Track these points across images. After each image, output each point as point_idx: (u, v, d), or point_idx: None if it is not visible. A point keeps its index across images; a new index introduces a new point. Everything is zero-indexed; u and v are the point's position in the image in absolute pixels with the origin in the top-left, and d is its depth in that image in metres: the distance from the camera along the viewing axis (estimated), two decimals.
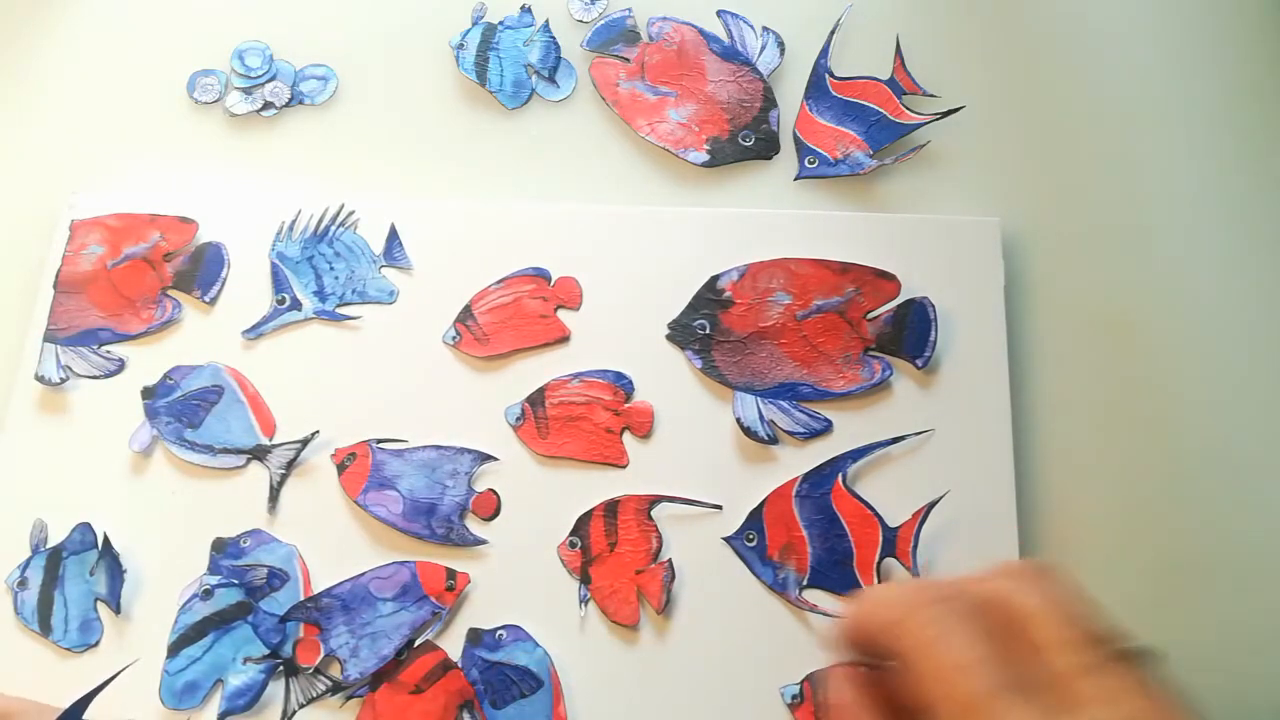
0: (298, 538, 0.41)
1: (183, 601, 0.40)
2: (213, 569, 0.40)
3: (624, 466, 0.41)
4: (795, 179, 0.45)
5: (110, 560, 0.40)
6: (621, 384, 0.42)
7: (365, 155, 0.47)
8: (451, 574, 0.40)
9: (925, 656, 0.26)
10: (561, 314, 0.43)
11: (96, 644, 0.40)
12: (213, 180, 0.47)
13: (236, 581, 0.40)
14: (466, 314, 0.43)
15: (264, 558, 0.40)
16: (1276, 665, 0.38)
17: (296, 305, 0.44)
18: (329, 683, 0.39)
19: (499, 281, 0.43)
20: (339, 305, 0.44)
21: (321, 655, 0.39)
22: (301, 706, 0.38)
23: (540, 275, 0.43)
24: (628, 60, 0.47)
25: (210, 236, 0.45)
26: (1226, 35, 0.46)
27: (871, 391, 0.41)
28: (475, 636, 0.39)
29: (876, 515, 0.39)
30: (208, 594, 0.40)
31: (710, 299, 0.42)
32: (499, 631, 0.39)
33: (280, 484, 0.41)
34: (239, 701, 0.38)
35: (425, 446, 0.41)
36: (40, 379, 0.43)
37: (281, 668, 0.39)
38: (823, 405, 0.41)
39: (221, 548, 0.40)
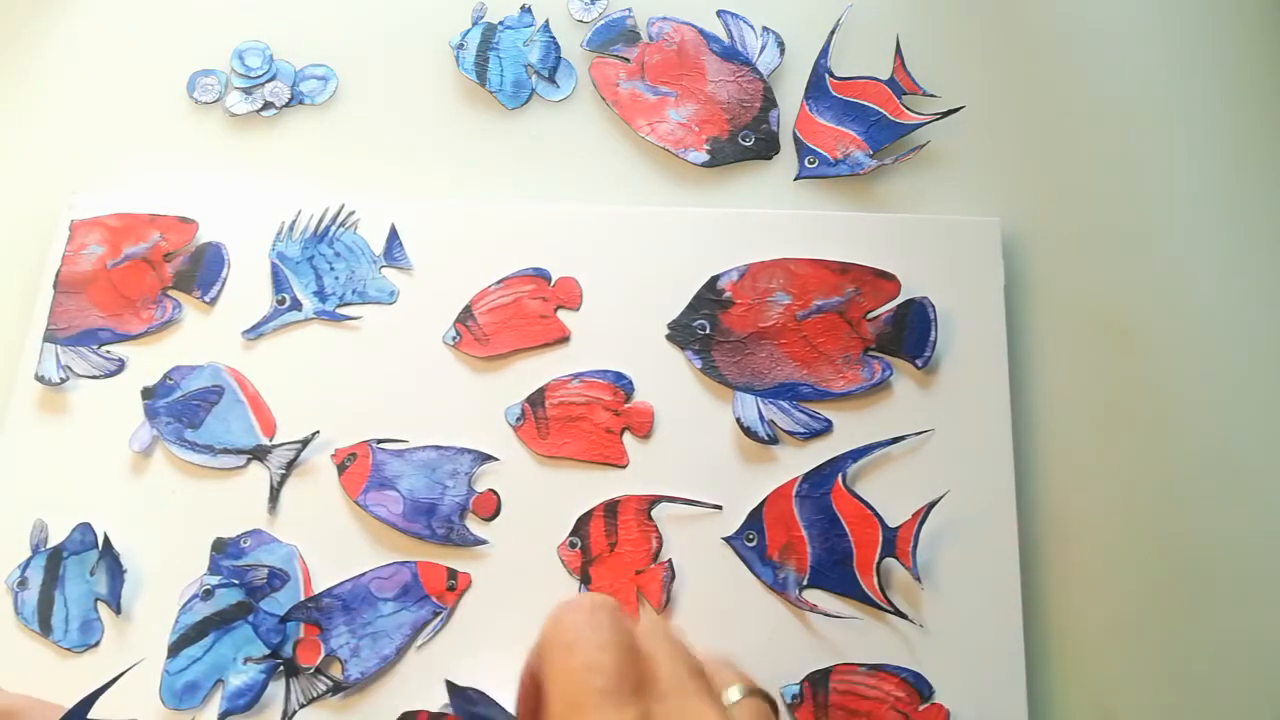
0: (298, 538, 0.41)
1: (183, 601, 0.40)
2: (213, 569, 0.40)
3: (624, 466, 0.41)
4: (795, 179, 0.45)
5: (110, 560, 0.40)
6: (621, 384, 0.42)
7: (365, 155, 0.47)
8: (453, 574, 0.40)
9: (559, 655, 0.29)
10: (561, 314, 0.43)
11: (97, 644, 0.40)
12: (213, 180, 0.47)
13: (237, 581, 0.40)
14: (466, 314, 0.43)
15: (264, 558, 0.40)
16: (1277, 666, 0.38)
17: (297, 305, 0.44)
18: (329, 683, 0.39)
19: (499, 281, 0.43)
20: (339, 305, 0.44)
21: (322, 655, 0.39)
22: (302, 706, 0.38)
23: (540, 275, 0.43)
24: (628, 60, 0.47)
25: (210, 236, 0.45)
26: (1227, 35, 0.46)
27: (871, 391, 0.41)
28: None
29: (876, 515, 0.39)
30: (208, 594, 0.40)
31: (710, 299, 0.42)
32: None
33: (280, 484, 0.41)
34: (239, 701, 0.38)
35: (425, 447, 0.41)
36: (40, 379, 0.43)
37: (282, 668, 0.39)
38: (823, 405, 0.41)
39: (222, 548, 0.40)
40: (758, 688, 0.32)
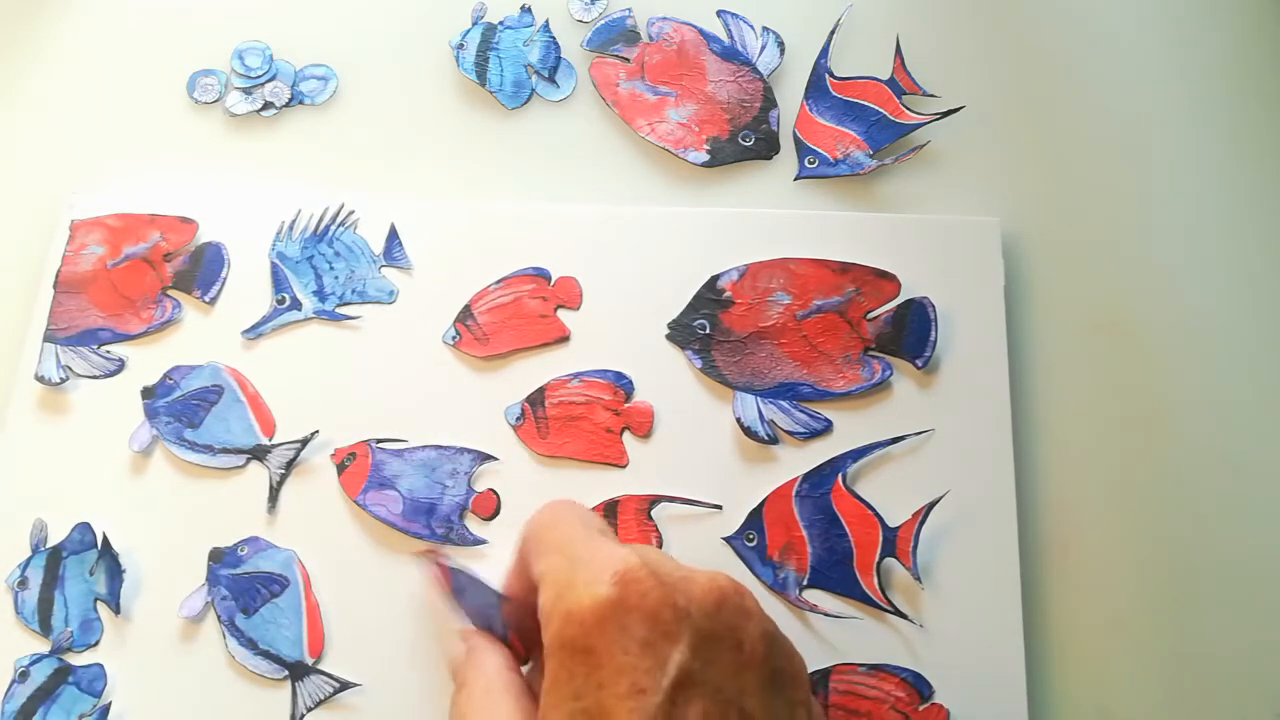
0: (297, 538, 0.41)
1: (183, 613, 0.40)
2: (211, 578, 0.40)
3: (624, 466, 0.41)
4: (795, 179, 0.45)
5: (110, 560, 0.40)
6: (621, 384, 0.42)
7: (365, 155, 0.47)
8: None
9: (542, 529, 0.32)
10: (561, 314, 0.43)
11: (96, 644, 0.40)
12: (213, 180, 0.47)
13: (229, 594, 0.40)
14: (466, 314, 0.43)
15: (262, 564, 0.40)
16: (1277, 666, 0.38)
17: (296, 305, 0.44)
18: (335, 684, 0.38)
19: (499, 281, 0.43)
20: (339, 305, 0.44)
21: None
22: (309, 709, 0.38)
23: (540, 275, 0.43)
24: (628, 60, 0.47)
25: (210, 236, 0.45)
26: (1228, 36, 0.46)
27: (871, 391, 0.41)
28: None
29: (876, 515, 0.39)
30: (24, 676, 0.39)
31: (710, 299, 0.42)
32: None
33: (280, 484, 0.41)
34: None
35: (425, 446, 0.41)
36: (40, 379, 0.43)
37: (288, 673, 0.39)
38: (823, 405, 0.41)
39: (219, 557, 0.40)
40: None
